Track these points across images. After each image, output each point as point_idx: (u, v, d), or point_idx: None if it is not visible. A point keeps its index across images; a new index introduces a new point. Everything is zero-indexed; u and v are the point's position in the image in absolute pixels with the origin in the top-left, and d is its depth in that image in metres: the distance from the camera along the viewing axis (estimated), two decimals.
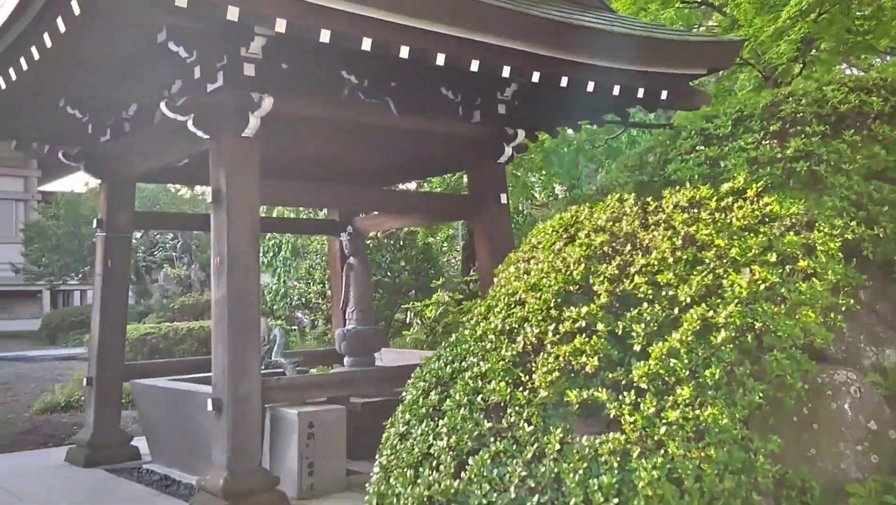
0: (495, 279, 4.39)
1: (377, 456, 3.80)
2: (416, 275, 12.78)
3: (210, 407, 5.38)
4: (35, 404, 11.59)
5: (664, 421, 3.12)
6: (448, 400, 3.65)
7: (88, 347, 7.33)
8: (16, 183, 39.78)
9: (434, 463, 3.46)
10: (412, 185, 12.94)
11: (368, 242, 11.65)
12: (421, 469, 3.48)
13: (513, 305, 3.86)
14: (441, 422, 3.55)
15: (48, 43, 4.85)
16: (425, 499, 3.33)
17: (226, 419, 5.31)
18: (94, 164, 7.21)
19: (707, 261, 3.57)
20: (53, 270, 29.98)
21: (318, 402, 5.97)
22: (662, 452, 3.05)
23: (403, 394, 4.12)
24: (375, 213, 8.17)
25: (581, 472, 3.08)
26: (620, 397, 3.26)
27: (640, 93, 6.06)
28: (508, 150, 6.74)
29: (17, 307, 36.45)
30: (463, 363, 3.77)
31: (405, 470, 3.54)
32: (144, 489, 6.17)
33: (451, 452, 3.40)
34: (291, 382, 5.88)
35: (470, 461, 3.35)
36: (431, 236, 13.21)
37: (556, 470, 3.15)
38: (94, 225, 7.29)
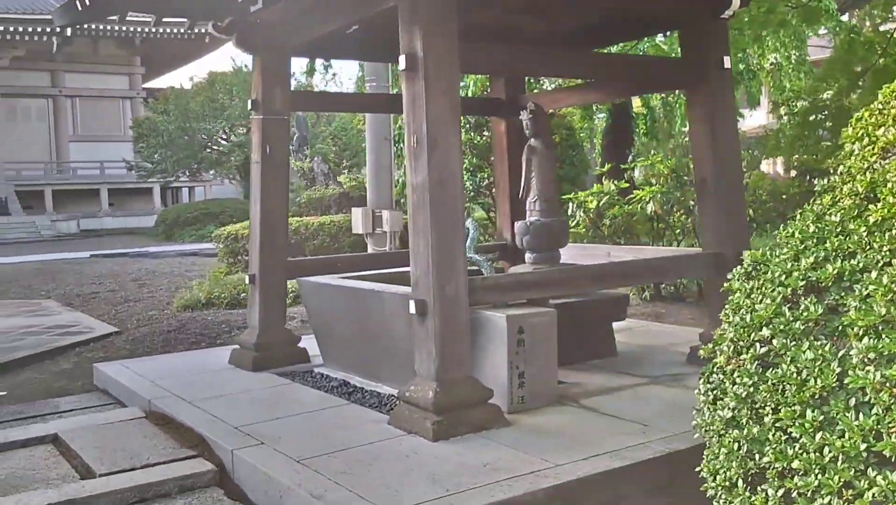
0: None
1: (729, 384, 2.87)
2: (560, 162, 11.79)
3: (413, 309, 4.64)
4: (174, 301, 11.31)
5: None
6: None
7: (249, 243, 6.70)
8: (121, 81, 40.05)
9: None
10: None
11: None
12: None
13: None
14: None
15: None
16: None
17: (433, 323, 4.58)
18: (246, 36, 6.39)
19: None
20: (166, 166, 30.14)
21: (519, 304, 5.17)
22: None
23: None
24: (550, 88, 7.15)
25: None
26: None
27: None
28: (735, 2, 5.59)
29: (131, 205, 37.20)
30: (854, 261, 2.71)
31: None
32: (325, 396, 5.57)
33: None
34: (498, 281, 5.08)
35: None
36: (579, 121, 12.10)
37: None
38: (249, 107, 6.54)
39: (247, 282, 6.67)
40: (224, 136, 30.72)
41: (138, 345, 8.51)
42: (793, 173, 10.64)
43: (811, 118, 9.90)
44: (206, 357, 7.13)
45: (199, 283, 12.30)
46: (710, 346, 3.09)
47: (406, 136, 4.77)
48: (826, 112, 9.68)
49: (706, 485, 2.79)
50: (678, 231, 9.13)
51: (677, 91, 13.86)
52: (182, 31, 27.92)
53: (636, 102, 14.86)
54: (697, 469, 2.92)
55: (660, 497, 4.01)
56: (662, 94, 14.28)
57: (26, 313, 10.99)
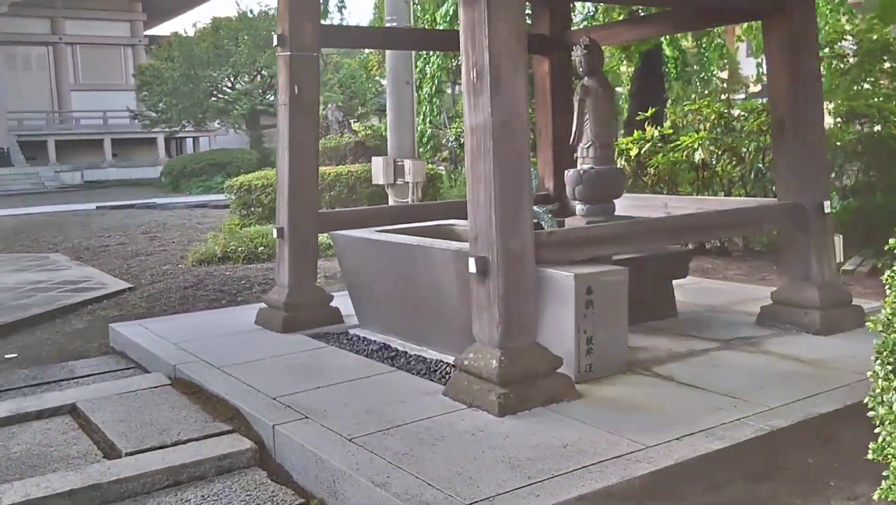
0: None
1: None
2: None
3: (473, 268, 4.12)
4: (189, 255, 10.81)
5: None
6: None
7: (277, 195, 6.15)
8: (122, 28, 39.07)
9: None
10: None
11: None
12: None
13: None
14: None
15: None
16: None
17: (496, 283, 4.06)
18: None
19: None
20: (170, 115, 29.40)
21: (585, 261, 4.64)
22: None
23: None
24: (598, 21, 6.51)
25: None
26: None
27: None
28: None
29: (135, 155, 36.52)
30: None
31: None
32: (366, 361, 5.09)
33: None
34: (566, 236, 4.54)
35: None
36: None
37: None
38: (274, 42, 5.94)
39: (274, 236, 6.14)
40: (229, 84, 29.94)
41: (154, 302, 8.02)
42: (838, 120, 10.03)
43: (870, 58, 9.24)
44: (229, 317, 6.64)
45: (213, 235, 11.79)
46: (881, 318, 2.56)
47: (464, 71, 4.20)
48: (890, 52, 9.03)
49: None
50: (726, 181, 8.56)
51: (713, 30, 13.16)
52: None
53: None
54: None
55: (763, 483, 3.52)
56: (696, 38, 13.56)
57: (34, 268, 10.50)
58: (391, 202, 11.07)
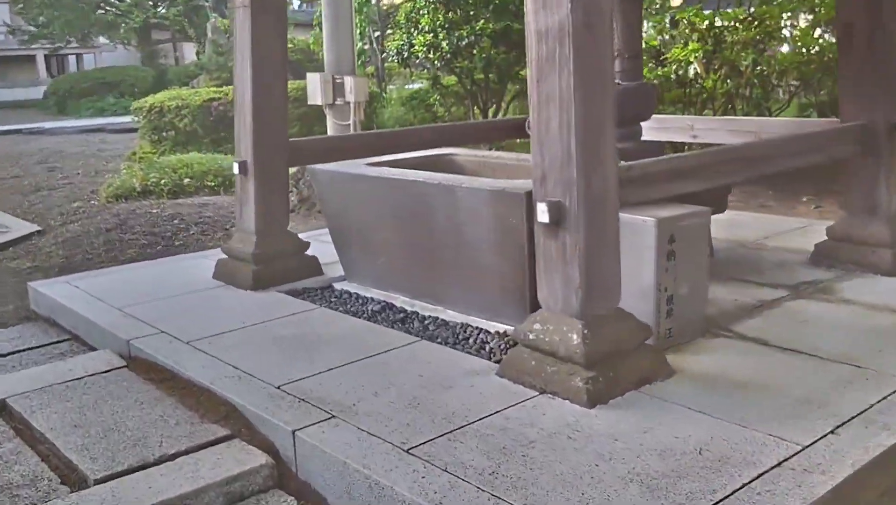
0: None
1: None
2: None
3: (543, 216, 3.18)
4: (101, 190, 9.43)
5: None
6: None
7: (236, 119, 4.99)
8: None
9: None
10: None
11: None
12: None
13: None
14: None
15: None
16: None
17: (575, 235, 3.14)
18: None
19: None
20: (53, 29, 26.62)
21: (656, 200, 3.76)
22: None
23: None
24: None
25: None
26: None
27: None
28: None
29: (13, 74, 33.31)
30: None
31: None
32: (371, 327, 4.14)
33: None
34: (646, 170, 3.62)
35: None
36: None
37: None
38: None
39: (235, 171, 5.01)
40: None
41: (73, 249, 6.76)
42: None
43: None
44: (178, 270, 5.51)
45: (127, 167, 10.37)
46: None
47: None
48: None
49: None
50: (720, 97, 7.79)
51: None
52: None
53: None
54: None
55: None
56: None
57: None
58: (330, 125, 9.90)
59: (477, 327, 4.03)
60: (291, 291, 4.87)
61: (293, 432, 3.00)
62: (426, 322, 4.19)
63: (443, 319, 4.19)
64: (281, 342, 3.95)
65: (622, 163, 3.53)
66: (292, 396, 3.30)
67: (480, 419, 3.02)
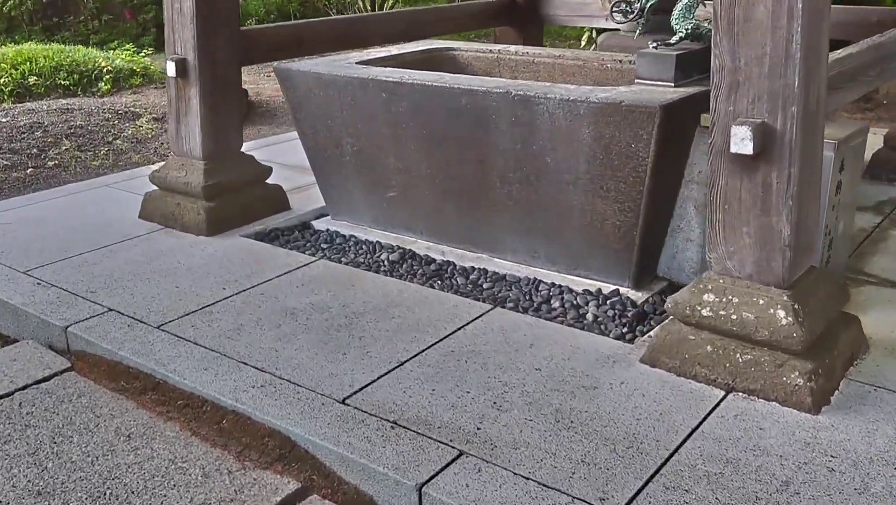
0: None
1: None
2: None
3: (741, 144, 2.20)
4: None
5: None
6: None
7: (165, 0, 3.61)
8: None
9: None
10: None
11: None
12: None
13: None
14: None
15: None
16: None
17: (786, 170, 2.21)
18: None
19: None
20: None
21: None
22: None
23: None
24: None
25: None
26: None
27: None
28: None
29: None
30: None
31: None
32: (405, 287, 3.09)
33: None
34: (842, 70, 2.67)
35: None
36: None
37: None
38: None
39: (168, 73, 3.65)
40: None
41: None
42: None
43: None
44: (82, 205, 4.11)
45: None
46: None
47: None
48: None
49: None
50: None
51: None
52: None
53: None
54: None
55: None
56: None
57: None
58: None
59: (551, 283, 3.06)
60: (259, 234, 3.67)
61: (419, 489, 1.96)
62: (472, 276, 3.17)
63: (494, 272, 3.19)
64: (299, 320, 2.82)
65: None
66: (373, 415, 2.24)
67: (681, 444, 2.10)
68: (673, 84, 2.85)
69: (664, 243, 3.03)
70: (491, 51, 3.88)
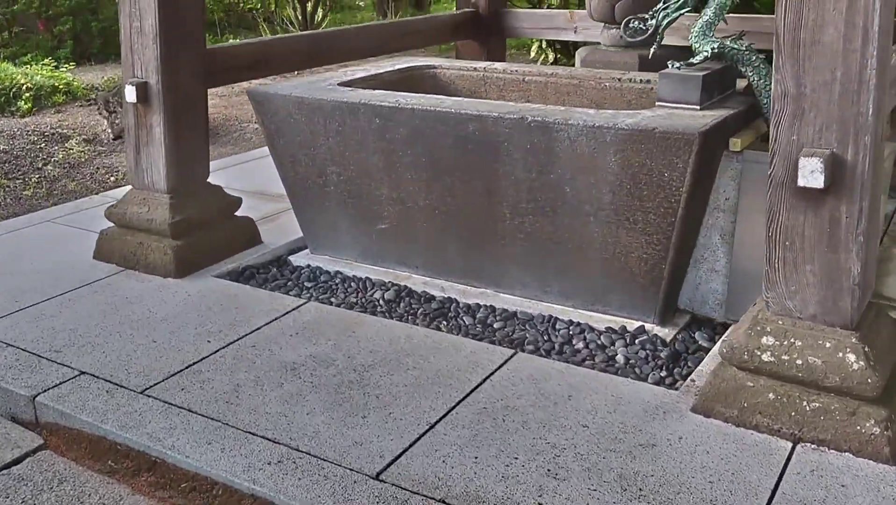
0: None
1: None
2: None
3: (815, 177, 2.02)
4: None
5: None
6: None
7: (123, 16, 3.24)
8: None
9: None
10: None
11: None
12: None
13: None
14: None
15: None
16: None
17: (856, 204, 2.05)
18: None
19: None
20: None
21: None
22: None
23: None
24: None
25: None
26: None
27: None
28: None
29: None
30: None
31: None
32: (415, 331, 2.82)
33: None
34: None
35: None
36: None
37: None
38: None
39: (127, 98, 3.29)
40: None
41: None
42: None
43: None
44: (27, 245, 3.70)
45: None
46: None
47: None
48: None
49: None
50: None
51: None
52: None
53: None
54: None
55: None
56: None
57: None
58: None
59: (568, 321, 2.85)
60: (233, 273, 3.35)
61: None
62: (479, 315, 2.94)
63: (504, 309, 2.95)
64: (303, 377, 2.52)
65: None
66: (417, 494, 1.97)
67: None
68: (699, 107, 2.67)
69: (685, 274, 2.85)
70: (475, 69, 3.65)
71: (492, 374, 2.52)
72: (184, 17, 3.23)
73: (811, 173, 2.03)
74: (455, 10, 5.00)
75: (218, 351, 2.68)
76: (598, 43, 4.20)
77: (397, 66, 3.70)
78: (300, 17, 10.28)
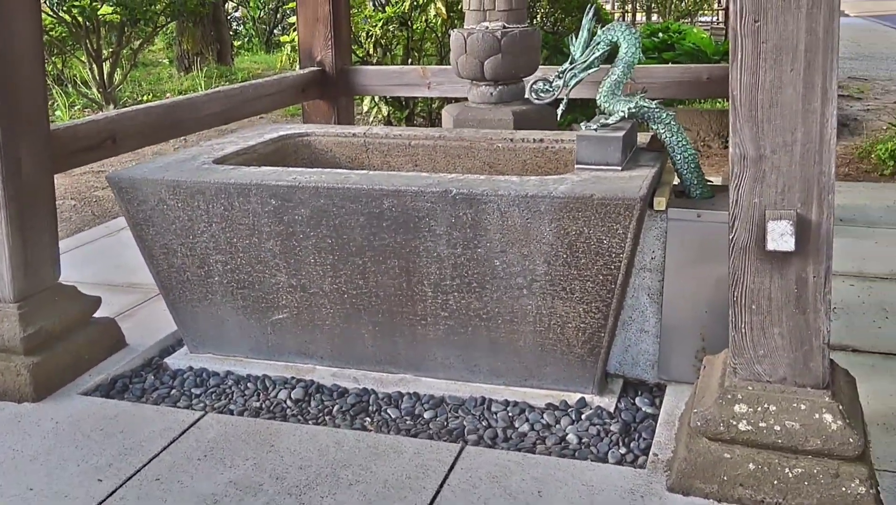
0: None
1: None
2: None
3: (784, 241, 1.97)
4: None
5: None
6: None
7: None
8: None
9: None
10: None
11: None
12: None
13: None
14: None
15: None
16: None
17: (821, 264, 2.03)
18: None
19: None
20: None
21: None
22: None
23: None
24: None
25: None
26: None
27: None
28: None
29: None
30: None
31: None
32: (345, 436, 2.54)
33: None
34: None
35: None
36: None
37: None
38: None
39: None
40: None
41: None
42: None
43: None
44: None
45: None
46: None
47: None
48: None
49: None
50: None
51: None
52: None
53: None
54: None
55: None
56: None
57: None
58: None
59: (504, 401, 2.66)
60: (102, 387, 2.89)
61: None
62: (405, 405, 2.69)
63: (430, 395, 2.72)
64: None
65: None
66: None
67: None
68: (620, 167, 2.60)
69: (615, 338, 2.75)
70: (355, 134, 3.41)
71: (446, 477, 2.27)
72: (22, 98, 2.76)
73: (781, 236, 1.97)
74: (300, 70, 4.74)
75: (115, 492, 2.24)
76: (456, 99, 4.11)
77: (266, 136, 3.39)
78: (97, 78, 9.53)
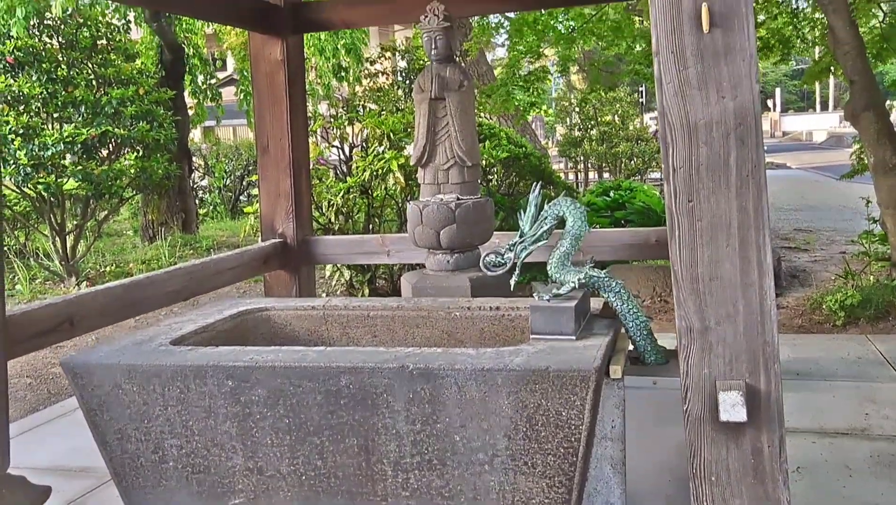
0: None
1: None
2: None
3: (735, 411, 2.00)
4: None
5: None
6: None
7: None
8: None
9: None
10: None
11: None
12: None
13: None
14: None
15: None
16: None
17: (775, 432, 2.05)
18: None
19: None
20: None
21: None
22: None
23: None
24: None
25: None
26: None
27: None
28: None
29: None
30: None
31: None
32: None
33: None
34: None
35: None
36: None
37: None
38: None
39: None
40: None
41: None
42: None
43: None
44: None
45: None
46: None
47: (666, 24, 2.06)
48: None
49: None
50: None
51: None
52: None
53: None
54: None
55: None
56: None
57: None
58: None
59: None
60: None
61: None
62: None
63: None
64: None
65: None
66: None
67: None
68: (574, 337, 2.64)
69: None
70: (314, 307, 3.45)
71: None
72: None
73: (733, 407, 2.00)
74: (262, 243, 4.82)
75: None
76: (414, 266, 4.19)
77: (226, 312, 3.41)
78: (59, 251, 9.57)
